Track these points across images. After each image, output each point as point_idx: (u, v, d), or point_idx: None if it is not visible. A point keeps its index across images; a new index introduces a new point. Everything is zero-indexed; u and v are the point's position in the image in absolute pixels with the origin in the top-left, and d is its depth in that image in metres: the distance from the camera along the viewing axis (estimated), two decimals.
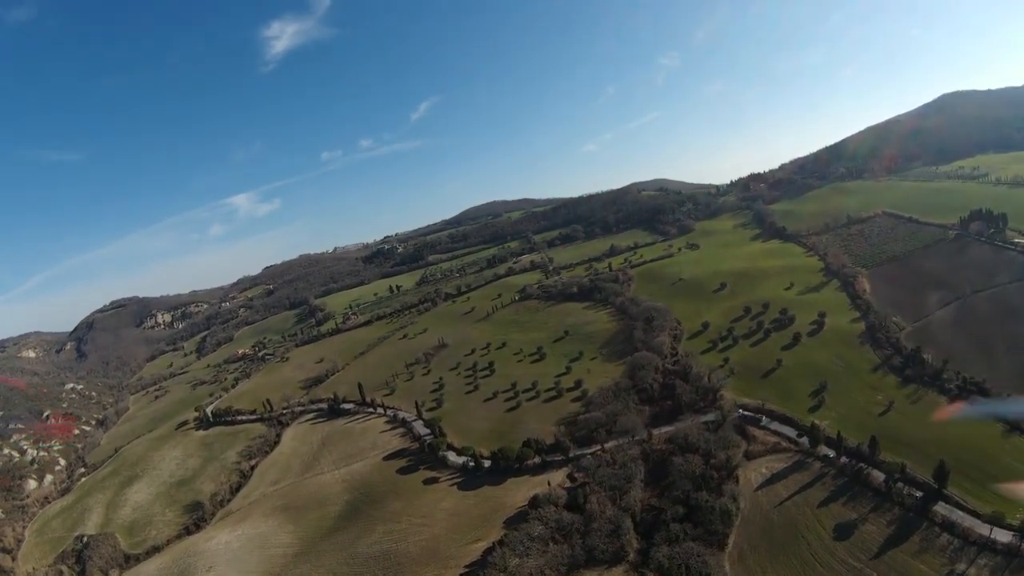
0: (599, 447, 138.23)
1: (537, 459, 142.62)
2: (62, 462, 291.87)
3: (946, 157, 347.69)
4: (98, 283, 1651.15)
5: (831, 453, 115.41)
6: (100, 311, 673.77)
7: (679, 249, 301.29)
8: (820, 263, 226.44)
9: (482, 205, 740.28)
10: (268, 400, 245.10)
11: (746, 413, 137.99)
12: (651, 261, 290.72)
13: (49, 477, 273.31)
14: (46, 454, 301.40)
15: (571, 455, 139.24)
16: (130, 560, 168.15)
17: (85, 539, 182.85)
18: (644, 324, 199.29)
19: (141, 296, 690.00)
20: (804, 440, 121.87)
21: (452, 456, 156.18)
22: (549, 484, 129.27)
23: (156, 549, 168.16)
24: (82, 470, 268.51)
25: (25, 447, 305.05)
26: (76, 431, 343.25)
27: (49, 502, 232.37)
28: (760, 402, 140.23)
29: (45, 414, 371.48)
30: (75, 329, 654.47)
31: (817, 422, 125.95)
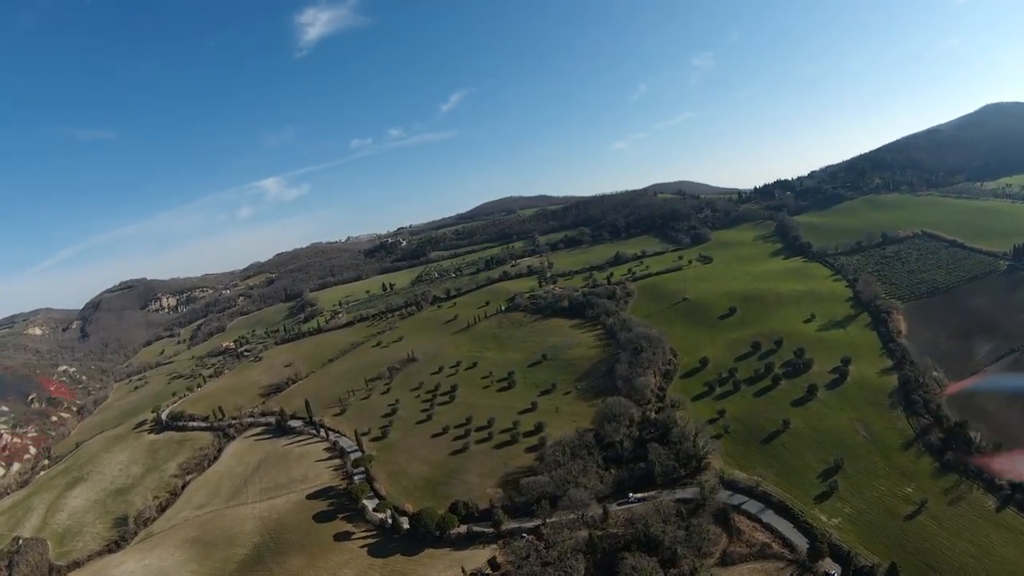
0: (540, 523, 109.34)
1: (463, 528, 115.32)
2: (32, 450, 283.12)
3: (991, 172, 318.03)
4: (123, 261, 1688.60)
5: (835, 573, 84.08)
6: (109, 291, 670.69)
7: (689, 262, 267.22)
8: (848, 291, 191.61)
9: (497, 200, 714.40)
10: (220, 408, 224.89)
11: (733, 496, 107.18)
12: (656, 274, 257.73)
13: (16, 466, 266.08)
14: (19, 440, 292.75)
15: (503, 529, 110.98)
16: (53, 571, 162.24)
17: (20, 542, 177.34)
18: (631, 356, 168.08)
19: (149, 278, 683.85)
20: (803, 544, 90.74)
21: (371, 508, 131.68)
22: (464, 572, 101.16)
23: (77, 564, 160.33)
24: (45, 462, 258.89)
25: (2, 432, 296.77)
26: (54, 417, 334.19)
27: (8, 494, 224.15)
28: (755, 480, 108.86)
29: (30, 397, 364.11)
30: (84, 308, 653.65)
31: (824, 519, 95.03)
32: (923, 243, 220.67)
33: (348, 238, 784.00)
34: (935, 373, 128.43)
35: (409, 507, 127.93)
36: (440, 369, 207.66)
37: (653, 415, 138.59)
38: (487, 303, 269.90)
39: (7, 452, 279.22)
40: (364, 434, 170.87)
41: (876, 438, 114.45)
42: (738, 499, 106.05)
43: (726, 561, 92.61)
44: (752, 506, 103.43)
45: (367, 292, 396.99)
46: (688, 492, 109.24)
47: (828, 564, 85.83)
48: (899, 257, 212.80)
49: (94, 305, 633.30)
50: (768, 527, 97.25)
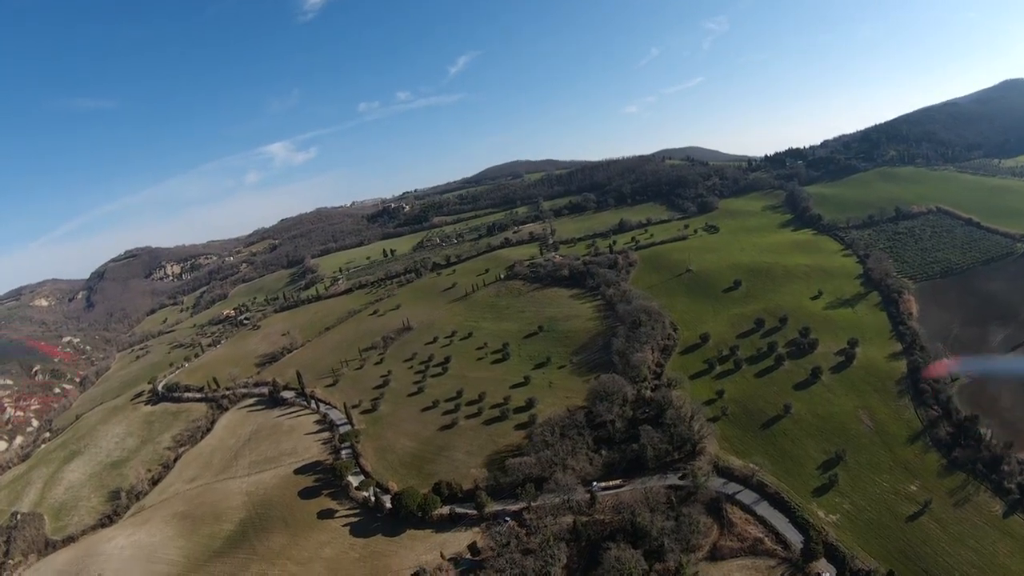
0: (524, 506, 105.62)
1: (446, 509, 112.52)
2: (35, 423, 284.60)
3: (1009, 150, 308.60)
4: (130, 229, 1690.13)
5: (828, 575, 79.40)
6: (114, 260, 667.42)
7: (695, 231, 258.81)
8: (858, 267, 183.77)
9: (504, 164, 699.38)
10: (215, 378, 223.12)
11: (727, 484, 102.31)
12: (661, 243, 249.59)
13: (19, 439, 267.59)
14: (22, 413, 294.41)
15: (486, 511, 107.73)
16: (49, 546, 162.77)
17: (19, 517, 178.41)
18: (629, 330, 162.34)
19: (153, 246, 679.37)
20: (798, 542, 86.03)
21: (356, 485, 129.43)
22: (443, 556, 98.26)
23: (71, 539, 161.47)
24: (47, 435, 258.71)
25: (6, 405, 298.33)
26: (56, 389, 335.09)
27: (10, 467, 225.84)
28: (751, 469, 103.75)
29: (34, 369, 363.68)
30: (89, 278, 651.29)
31: (821, 515, 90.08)
32: (937, 220, 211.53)
33: (353, 203, 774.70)
34: (946, 360, 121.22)
35: (393, 485, 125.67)
36: (435, 339, 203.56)
37: (649, 393, 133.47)
38: (486, 271, 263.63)
39: (10, 426, 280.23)
40: (355, 406, 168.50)
41: (881, 428, 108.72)
42: (732, 488, 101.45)
43: (715, 556, 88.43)
44: (746, 496, 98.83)
45: (368, 258, 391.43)
46: (680, 479, 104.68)
47: (823, 565, 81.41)
48: (912, 234, 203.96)
49: (99, 275, 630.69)
50: (762, 520, 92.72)
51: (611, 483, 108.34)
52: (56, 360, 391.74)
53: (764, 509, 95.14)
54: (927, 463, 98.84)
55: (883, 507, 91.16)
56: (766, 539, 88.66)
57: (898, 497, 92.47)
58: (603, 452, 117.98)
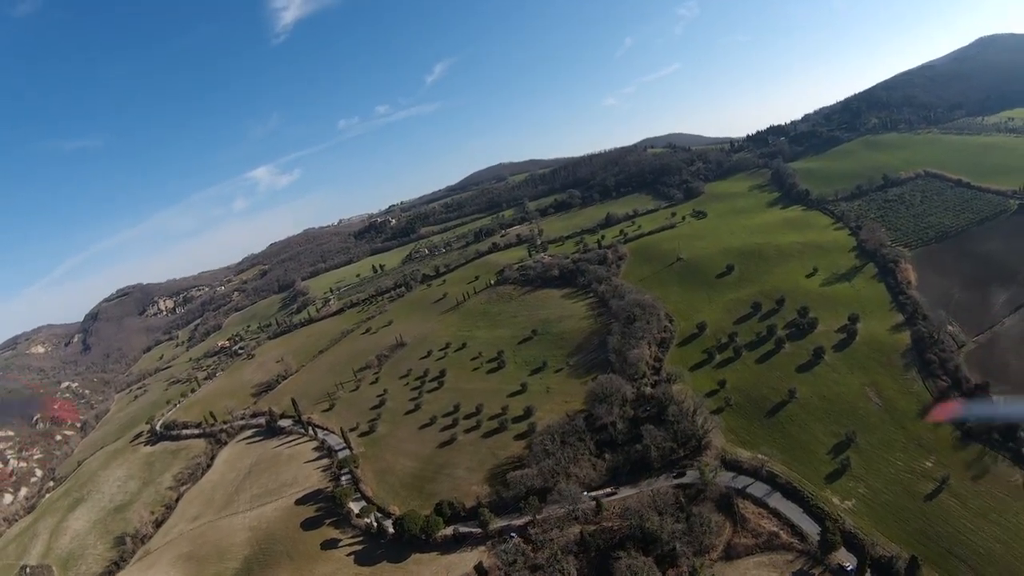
0: (529, 520, 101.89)
1: (449, 530, 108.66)
2: (38, 473, 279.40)
3: (991, 107, 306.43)
4: (123, 267, 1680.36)
5: (849, 565, 75.86)
6: (107, 300, 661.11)
7: (683, 218, 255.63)
8: (851, 239, 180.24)
9: (487, 169, 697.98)
10: (212, 413, 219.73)
11: (737, 478, 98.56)
12: (649, 233, 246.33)
13: (24, 490, 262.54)
14: (25, 464, 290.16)
15: (490, 529, 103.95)
16: None
17: (27, 570, 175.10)
18: (624, 326, 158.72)
19: (144, 283, 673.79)
20: (814, 533, 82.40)
21: (357, 512, 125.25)
22: None
23: None
24: (51, 484, 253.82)
25: (9, 456, 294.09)
26: (58, 436, 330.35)
27: (16, 520, 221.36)
28: (761, 460, 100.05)
29: (35, 418, 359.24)
30: (84, 320, 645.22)
31: (836, 502, 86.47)
32: (927, 184, 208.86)
33: (340, 221, 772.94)
34: (950, 328, 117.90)
35: (395, 508, 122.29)
36: (429, 353, 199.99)
37: (649, 390, 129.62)
38: (476, 278, 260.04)
39: (14, 477, 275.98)
40: (352, 429, 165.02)
41: (890, 405, 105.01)
42: (742, 481, 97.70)
43: (730, 555, 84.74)
44: (757, 489, 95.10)
45: (357, 275, 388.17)
46: (687, 477, 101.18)
47: (842, 555, 77.67)
48: (903, 200, 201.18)
49: (93, 316, 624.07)
50: (776, 513, 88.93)
51: (603, 492, 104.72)
52: (55, 411, 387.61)
53: (777, 501, 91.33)
54: (940, 437, 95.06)
55: (899, 488, 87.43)
56: (782, 532, 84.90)
57: (914, 476, 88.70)
58: (606, 456, 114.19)
